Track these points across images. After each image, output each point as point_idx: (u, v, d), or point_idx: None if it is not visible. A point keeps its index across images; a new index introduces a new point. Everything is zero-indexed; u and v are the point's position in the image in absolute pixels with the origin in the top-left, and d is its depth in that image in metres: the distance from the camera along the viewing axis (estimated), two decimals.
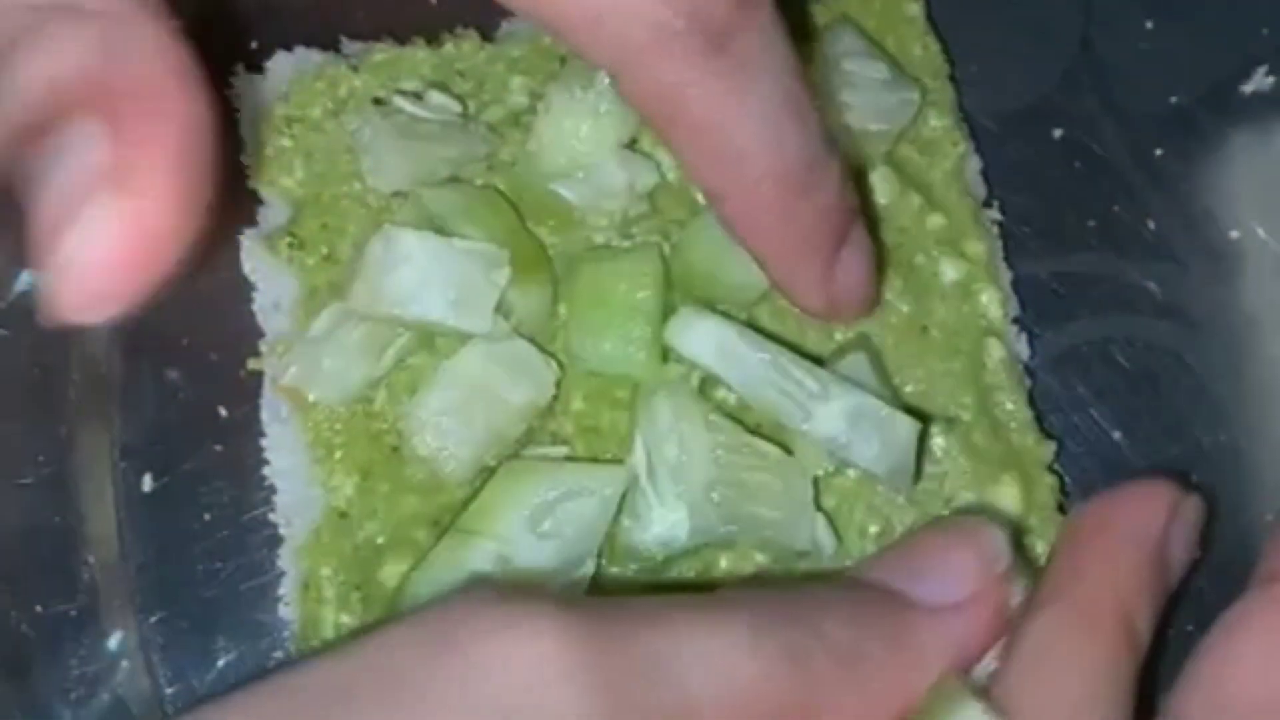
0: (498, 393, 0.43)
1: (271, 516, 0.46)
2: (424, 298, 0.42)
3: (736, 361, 0.43)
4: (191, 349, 0.48)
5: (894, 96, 0.47)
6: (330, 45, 0.49)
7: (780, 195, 0.39)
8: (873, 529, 0.44)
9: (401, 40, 0.48)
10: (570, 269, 0.45)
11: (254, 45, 0.49)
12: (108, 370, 0.48)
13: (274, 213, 0.47)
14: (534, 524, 0.42)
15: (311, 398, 0.44)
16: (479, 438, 0.43)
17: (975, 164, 0.49)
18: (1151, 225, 0.50)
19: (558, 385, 0.44)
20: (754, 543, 0.43)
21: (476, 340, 0.43)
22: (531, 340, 0.44)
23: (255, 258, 0.46)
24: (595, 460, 0.44)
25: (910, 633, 0.37)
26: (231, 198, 0.46)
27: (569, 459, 0.44)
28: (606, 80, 0.44)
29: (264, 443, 0.46)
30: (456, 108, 0.47)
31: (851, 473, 0.44)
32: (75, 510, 0.47)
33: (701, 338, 0.43)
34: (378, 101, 0.47)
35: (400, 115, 0.46)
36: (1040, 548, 0.44)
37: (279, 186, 0.47)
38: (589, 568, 0.42)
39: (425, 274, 0.42)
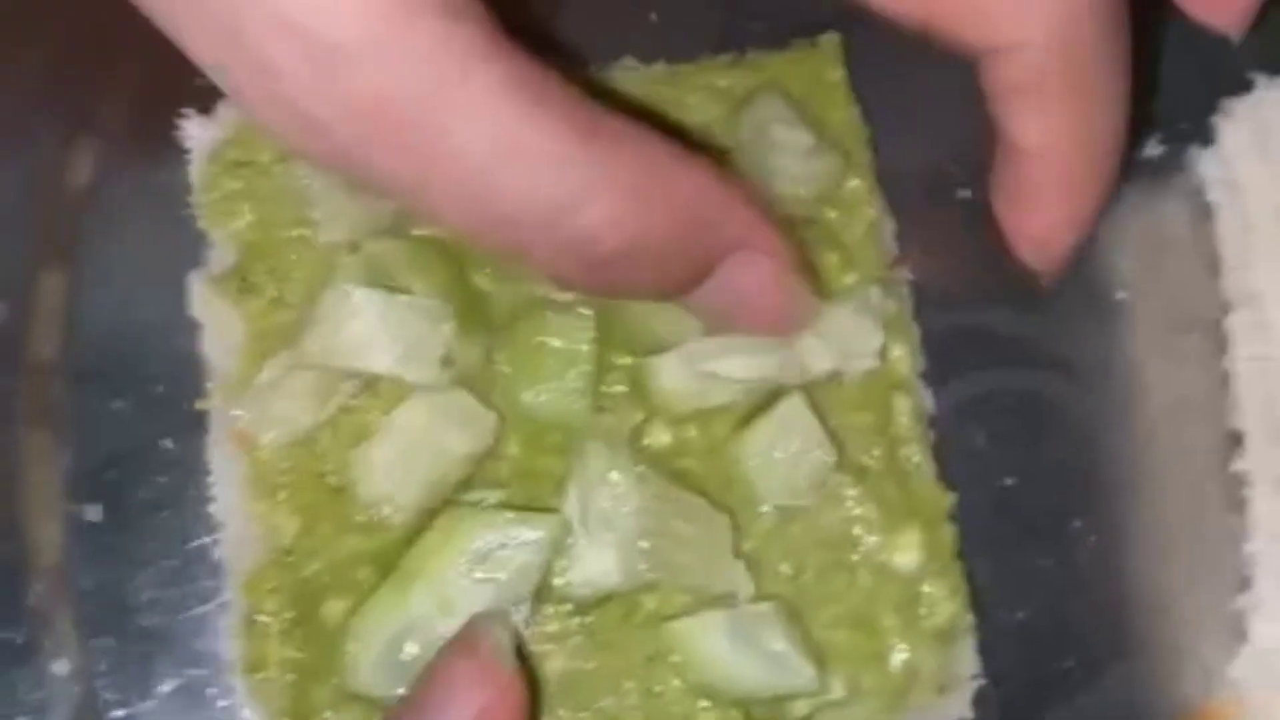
0: (440, 443, 0.45)
1: (216, 551, 0.47)
2: (373, 351, 0.44)
3: None
4: (138, 382, 0.49)
5: (818, 163, 0.50)
6: None
7: None
8: (784, 569, 0.47)
9: None
10: (510, 319, 0.47)
11: (203, 87, 0.49)
12: (55, 401, 0.49)
13: (222, 254, 0.48)
14: (472, 568, 0.44)
15: (263, 442, 0.46)
16: (421, 485, 0.45)
17: (889, 225, 0.51)
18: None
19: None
20: (678, 586, 0.46)
21: (420, 391, 0.45)
22: (470, 388, 0.46)
23: (202, 298, 0.48)
24: (530, 502, 0.46)
25: None
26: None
27: (505, 504, 0.46)
28: None
29: (209, 479, 0.47)
30: None
31: (768, 515, 0.47)
32: (22, 538, 0.48)
33: None
34: None
35: None
36: (941, 591, 0.48)
37: (228, 229, 0.48)
38: (524, 610, 0.45)
39: (374, 329, 0.44)
